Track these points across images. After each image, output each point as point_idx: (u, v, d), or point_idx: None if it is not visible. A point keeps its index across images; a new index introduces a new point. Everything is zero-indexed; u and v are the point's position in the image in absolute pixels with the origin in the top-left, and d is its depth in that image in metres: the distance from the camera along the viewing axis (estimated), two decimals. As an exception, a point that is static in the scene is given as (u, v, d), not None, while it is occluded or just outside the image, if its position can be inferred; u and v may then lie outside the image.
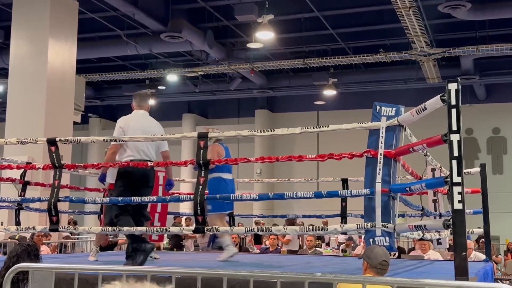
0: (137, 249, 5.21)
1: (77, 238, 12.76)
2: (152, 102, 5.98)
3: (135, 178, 5.44)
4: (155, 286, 1.00)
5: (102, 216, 7.11)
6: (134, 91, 20.02)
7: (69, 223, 13.51)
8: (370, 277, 3.46)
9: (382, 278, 3.28)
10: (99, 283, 3.11)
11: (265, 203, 18.75)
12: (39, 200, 6.28)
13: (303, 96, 20.73)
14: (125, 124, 5.62)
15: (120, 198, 5.21)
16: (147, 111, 5.87)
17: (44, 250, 9.06)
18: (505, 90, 19.35)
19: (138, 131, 5.53)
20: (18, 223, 7.11)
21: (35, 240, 8.85)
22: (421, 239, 8.45)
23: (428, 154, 5.41)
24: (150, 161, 5.50)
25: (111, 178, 5.97)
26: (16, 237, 9.28)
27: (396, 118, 4.52)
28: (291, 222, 11.37)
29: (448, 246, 6.74)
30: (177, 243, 11.34)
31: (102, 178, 6.09)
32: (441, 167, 5.81)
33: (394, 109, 4.62)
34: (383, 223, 4.33)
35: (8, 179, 7.52)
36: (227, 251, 6.17)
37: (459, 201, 3.59)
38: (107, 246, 11.02)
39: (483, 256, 7.67)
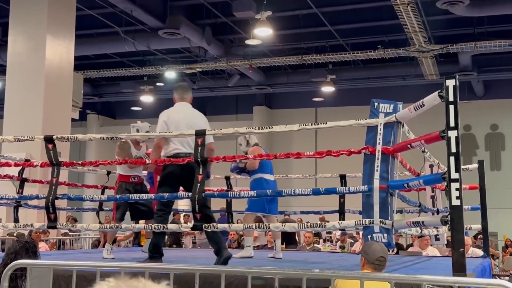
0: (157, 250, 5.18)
1: (79, 235, 12.75)
2: (189, 94, 5.85)
3: (181, 174, 5.23)
4: (150, 283, 0.99)
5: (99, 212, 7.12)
6: (132, 88, 20.09)
7: (68, 220, 13.49)
8: (368, 273, 3.47)
9: (380, 274, 3.29)
10: (97, 279, 3.11)
11: (264, 200, 18.75)
12: (37, 197, 6.28)
13: (302, 93, 20.72)
14: (168, 117, 5.41)
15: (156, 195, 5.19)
16: (189, 103, 5.68)
17: (42, 247, 9.06)
18: (503, 86, 19.35)
19: (182, 124, 5.34)
20: (16, 220, 7.10)
21: (33, 237, 8.85)
22: (420, 236, 8.49)
23: (426, 150, 5.42)
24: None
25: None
26: (15, 234, 9.28)
27: (394, 114, 4.52)
28: (284, 219, 11.41)
29: (446, 242, 6.75)
30: (176, 240, 11.34)
31: (150, 178, 6.04)
32: (439, 163, 5.81)
33: (392, 105, 4.62)
34: (381, 220, 4.33)
35: (6, 176, 7.51)
36: (245, 251, 6.22)
37: (457, 197, 3.60)
38: (105, 243, 11.02)
39: (481, 252, 7.68)
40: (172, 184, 5.23)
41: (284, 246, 11.79)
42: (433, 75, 17.23)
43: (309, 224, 4.80)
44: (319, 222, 5.20)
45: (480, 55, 16.28)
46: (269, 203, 6.36)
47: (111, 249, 6.45)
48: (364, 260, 3.70)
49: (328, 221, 5.19)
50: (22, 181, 7.43)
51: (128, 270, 3.25)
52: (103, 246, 10.81)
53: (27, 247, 4.08)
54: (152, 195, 5.68)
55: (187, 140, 5.29)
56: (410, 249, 9.32)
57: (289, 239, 11.38)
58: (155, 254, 5.30)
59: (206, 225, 4.94)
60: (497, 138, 20.23)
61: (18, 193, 7.29)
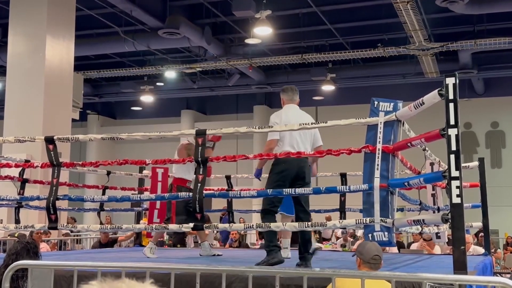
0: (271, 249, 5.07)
1: (78, 235, 12.76)
2: (297, 96, 5.76)
3: (290, 175, 5.17)
4: (134, 283, 0.99)
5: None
6: (132, 88, 20.08)
7: (68, 221, 13.52)
8: (368, 272, 3.47)
9: (381, 273, 3.29)
10: (98, 278, 3.11)
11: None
12: (38, 198, 6.28)
13: (302, 92, 20.31)
14: (280, 120, 5.28)
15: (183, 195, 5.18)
16: (297, 105, 5.60)
17: (43, 247, 9.07)
18: (503, 84, 19.33)
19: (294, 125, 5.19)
20: (17, 221, 7.11)
21: (34, 237, 8.86)
22: (424, 240, 8.50)
23: (426, 148, 5.42)
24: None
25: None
26: (16, 235, 9.29)
27: (394, 113, 4.52)
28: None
29: (447, 240, 6.74)
30: (180, 239, 11.31)
31: (258, 174, 6.04)
32: (439, 161, 5.81)
33: (392, 104, 4.62)
34: (382, 218, 4.33)
35: (6, 177, 7.51)
36: (282, 252, 6.17)
37: (457, 195, 3.60)
38: (107, 243, 11.04)
39: (482, 250, 7.68)
40: (285, 184, 5.13)
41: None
42: (433, 73, 17.21)
43: (310, 223, 4.80)
44: (320, 221, 5.19)
45: (480, 52, 16.27)
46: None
47: (155, 248, 6.41)
48: (360, 260, 3.70)
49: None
50: (23, 182, 7.43)
51: (129, 270, 3.25)
52: (103, 246, 10.84)
53: (28, 248, 4.08)
54: (153, 196, 5.68)
55: (298, 143, 5.22)
56: (411, 247, 9.32)
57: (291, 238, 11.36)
58: (268, 249, 5.14)
59: (207, 225, 4.95)
60: (498, 135, 20.21)
61: (19, 194, 7.29)
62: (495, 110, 19.93)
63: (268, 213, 5.15)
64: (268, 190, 5.02)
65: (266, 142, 5.31)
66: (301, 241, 5.17)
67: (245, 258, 6.34)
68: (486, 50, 15.74)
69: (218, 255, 6.78)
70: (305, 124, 4.99)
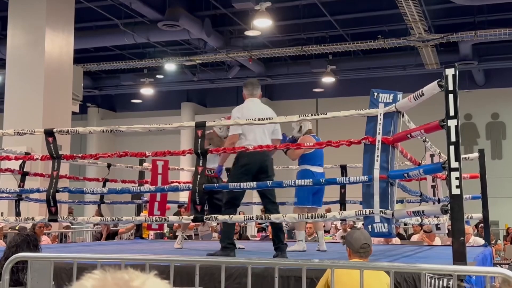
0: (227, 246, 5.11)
1: (81, 228, 12.79)
2: (259, 91, 5.82)
3: (253, 168, 5.21)
4: (137, 273, 0.99)
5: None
6: (132, 80, 20.06)
7: (70, 213, 13.54)
8: (367, 262, 3.47)
9: (379, 264, 3.29)
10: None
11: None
12: (38, 190, 6.29)
13: (302, 84, 20.68)
14: (242, 114, 5.36)
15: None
16: (259, 99, 5.68)
17: (44, 240, 9.08)
18: (504, 75, 19.30)
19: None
20: (18, 213, 7.13)
21: (36, 231, 8.87)
22: (425, 231, 8.51)
23: (427, 140, 5.42)
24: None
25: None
26: (16, 228, 9.31)
27: (393, 104, 4.52)
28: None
29: (447, 232, 6.76)
30: (183, 232, 11.34)
31: (219, 170, 6.04)
32: (440, 152, 5.81)
33: (391, 95, 4.61)
34: (382, 209, 4.34)
35: (7, 170, 7.52)
36: (298, 245, 6.19)
37: (457, 186, 3.60)
38: (108, 235, 11.06)
39: (482, 241, 7.69)
40: (248, 178, 5.17)
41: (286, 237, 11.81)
42: (433, 65, 17.17)
43: (309, 214, 4.80)
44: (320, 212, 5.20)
45: (480, 44, 16.21)
46: (314, 195, 6.25)
47: (184, 239, 6.38)
48: (350, 250, 3.71)
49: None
50: (23, 174, 7.44)
51: (129, 262, 3.26)
52: (106, 239, 10.87)
53: (28, 240, 4.09)
54: (153, 188, 5.69)
55: (260, 137, 5.27)
56: (411, 239, 9.33)
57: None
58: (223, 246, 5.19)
59: (207, 216, 4.95)
60: (498, 127, 20.20)
61: (19, 186, 7.30)
62: (495, 102, 19.91)
63: (231, 207, 5.22)
64: (267, 182, 5.02)
65: (228, 137, 5.38)
66: (273, 232, 5.24)
67: (244, 250, 6.35)
68: (487, 41, 15.68)
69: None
70: (266, 118, 5.02)
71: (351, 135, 5.40)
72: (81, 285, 0.97)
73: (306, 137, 6.29)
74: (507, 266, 9.63)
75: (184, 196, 14.53)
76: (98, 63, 18.47)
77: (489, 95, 19.76)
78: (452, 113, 3.70)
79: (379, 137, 4.45)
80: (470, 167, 6.70)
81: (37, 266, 3.11)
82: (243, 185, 4.89)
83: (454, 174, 3.61)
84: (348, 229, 11.95)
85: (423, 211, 4.33)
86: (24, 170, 7.52)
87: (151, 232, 10.23)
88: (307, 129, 6.40)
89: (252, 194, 19.77)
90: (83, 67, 17.11)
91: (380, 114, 4.50)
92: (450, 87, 3.72)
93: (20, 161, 7.30)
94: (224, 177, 6.73)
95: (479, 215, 7.04)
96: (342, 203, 7.56)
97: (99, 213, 12.43)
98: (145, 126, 5.43)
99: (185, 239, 6.51)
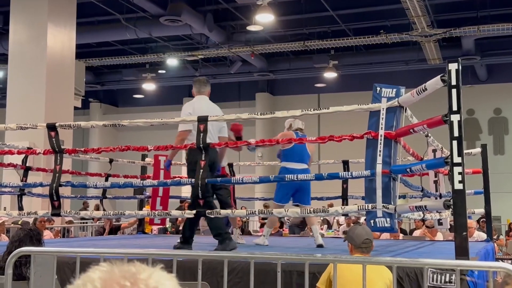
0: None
1: (86, 222, 12.79)
2: (207, 88, 5.94)
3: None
4: (144, 266, 0.99)
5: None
6: (134, 75, 20.05)
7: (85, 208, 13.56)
8: (370, 257, 3.47)
9: (382, 258, 3.29)
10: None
11: (267, 186, 18.77)
12: (41, 185, 6.30)
13: (304, 79, 20.65)
14: (193, 109, 5.52)
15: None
16: (207, 96, 5.85)
17: (46, 235, 9.11)
18: (506, 70, 19.25)
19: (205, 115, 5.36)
20: (21, 208, 7.14)
21: (37, 225, 8.89)
22: (427, 227, 8.50)
23: (429, 135, 5.41)
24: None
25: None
26: (19, 222, 9.33)
27: (396, 99, 4.51)
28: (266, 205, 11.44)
29: (449, 227, 6.75)
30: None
31: (168, 165, 6.11)
32: (442, 147, 5.80)
33: (394, 90, 4.60)
34: (384, 204, 4.34)
35: (9, 165, 7.54)
36: (261, 239, 6.22)
37: (460, 181, 3.59)
38: (110, 230, 11.08)
39: (485, 236, 7.68)
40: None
41: (287, 232, 11.82)
42: (436, 60, 17.13)
43: (311, 209, 4.81)
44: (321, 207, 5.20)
45: (483, 39, 16.17)
46: (298, 193, 6.06)
47: (267, 236, 6.34)
48: (351, 246, 3.71)
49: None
50: (26, 169, 7.45)
51: (132, 256, 3.26)
52: (108, 234, 10.89)
53: (31, 235, 4.10)
54: (155, 182, 5.69)
55: (209, 134, 5.27)
56: (413, 234, 9.33)
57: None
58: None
59: (209, 211, 4.96)
60: (501, 122, 20.16)
61: (22, 181, 7.32)
62: (498, 97, 19.86)
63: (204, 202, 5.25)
64: (270, 176, 5.03)
65: (178, 133, 5.50)
66: (209, 226, 5.34)
67: (246, 245, 6.35)
68: (489, 36, 15.64)
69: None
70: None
71: (353, 131, 5.39)
72: (88, 277, 0.98)
73: (286, 132, 6.12)
74: (509, 261, 9.64)
75: (186, 192, 14.57)
76: (100, 58, 18.47)
77: (492, 90, 19.72)
78: (455, 108, 3.69)
79: (381, 132, 4.44)
80: (472, 163, 6.69)
81: (40, 260, 3.12)
82: (246, 179, 4.89)
83: (457, 169, 3.60)
84: (352, 224, 11.97)
85: (425, 206, 4.33)
86: (27, 164, 7.53)
87: (154, 227, 10.25)
88: (296, 127, 6.21)
89: (254, 190, 19.76)
90: (85, 62, 17.11)
91: (383, 108, 4.50)
92: (453, 82, 3.71)
93: (23, 155, 7.31)
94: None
95: (481, 210, 7.03)
96: (345, 198, 7.55)
97: (98, 209, 12.45)
98: (147, 120, 5.43)
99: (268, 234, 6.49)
